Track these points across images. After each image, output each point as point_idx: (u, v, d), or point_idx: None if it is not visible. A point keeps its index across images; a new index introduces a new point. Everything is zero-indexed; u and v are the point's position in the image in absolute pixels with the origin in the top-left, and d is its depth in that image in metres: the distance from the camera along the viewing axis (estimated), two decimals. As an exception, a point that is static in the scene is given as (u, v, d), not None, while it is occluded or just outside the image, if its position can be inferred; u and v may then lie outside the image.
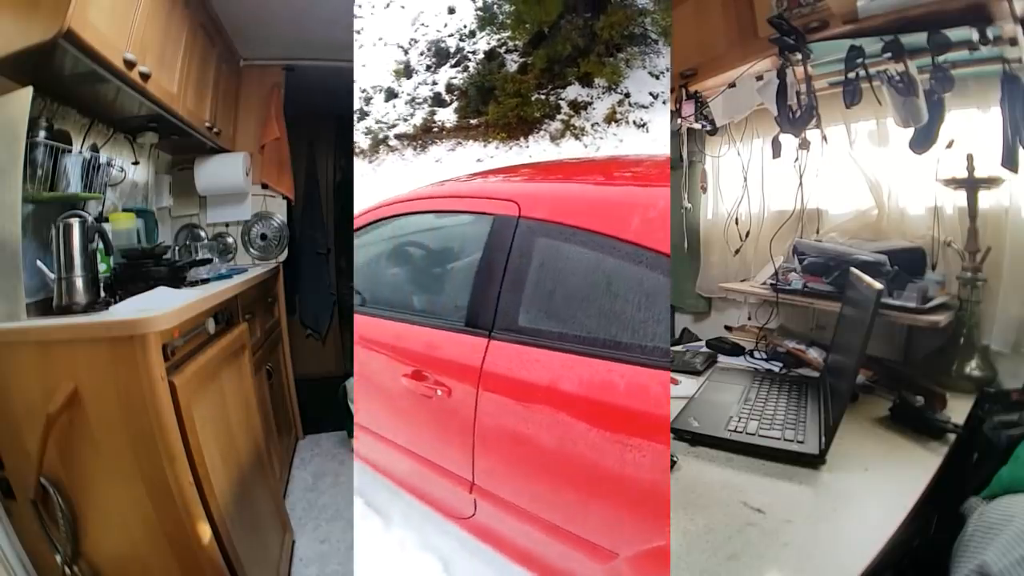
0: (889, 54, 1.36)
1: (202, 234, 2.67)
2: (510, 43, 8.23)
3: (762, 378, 1.50)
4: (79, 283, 1.37)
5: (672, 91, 1.97)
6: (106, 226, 1.71)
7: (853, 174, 1.75)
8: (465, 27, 8.79)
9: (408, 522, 1.42)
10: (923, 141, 1.41)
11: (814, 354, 1.63)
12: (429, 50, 8.93)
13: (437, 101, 8.44)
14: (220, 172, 2.57)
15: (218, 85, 2.32)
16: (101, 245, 1.51)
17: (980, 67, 1.36)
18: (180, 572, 1.18)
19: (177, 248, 2.46)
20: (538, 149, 7.41)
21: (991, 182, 1.40)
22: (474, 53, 8.51)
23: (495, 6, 8.42)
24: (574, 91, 7.48)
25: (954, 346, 1.46)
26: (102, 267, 1.57)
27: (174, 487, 1.13)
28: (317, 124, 3.59)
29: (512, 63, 8.06)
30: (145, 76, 1.56)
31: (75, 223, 1.39)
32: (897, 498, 0.94)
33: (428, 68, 8.84)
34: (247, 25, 2.37)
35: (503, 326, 1.07)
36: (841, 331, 1.42)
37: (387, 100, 8.75)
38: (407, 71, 8.90)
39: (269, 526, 1.71)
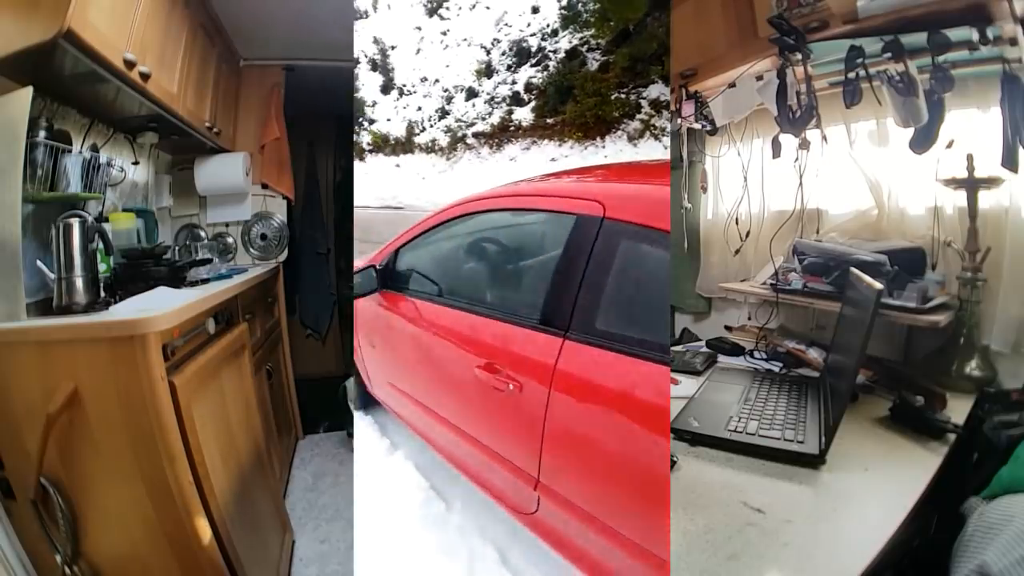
0: (889, 54, 1.36)
1: (202, 234, 2.66)
2: (592, 41, 8.14)
3: (762, 378, 1.50)
4: (79, 283, 1.37)
5: (672, 91, 1.97)
6: (106, 226, 1.71)
7: (853, 174, 1.75)
8: (548, 26, 8.77)
9: (468, 509, 1.45)
10: (923, 141, 1.41)
11: (814, 354, 1.63)
12: (511, 50, 8.96)
13: (515, 100, 8.47)
14: (220, 172, 2.56)
15: (218, 85, 2.32)
16: (101, 245, 1.51)
17: (980, 67, 1.36)
18: (180, 572, 1.18)
19: (177, 248, 2.46)
20: (614, 149, 7.27)
21: (991, 182, 1.40)
22: (555, 52, 8.49)
23: (580, 4, 8.34)
24: (656, 89, 7.31)
25: (954, 346, 1.46)
26: (102, 267, 1.57)
27: (174, 487, 1.13)
28: (317, 124, 3.58)
29: (593, 62, 7.95)
30: (145, 76, 1.56)
31: (75, 223, 1.38)
32: (897, 498, 0.94)
33: (509, 68, 8.86)
34: (247, 25, 2.36)
35: (579, 327, 1.06)
36: (841, 331, 1.42)
37: (467, 99, 8.77)
38: (488, 71, 8.94)
39: (269, 526, 1.71)
